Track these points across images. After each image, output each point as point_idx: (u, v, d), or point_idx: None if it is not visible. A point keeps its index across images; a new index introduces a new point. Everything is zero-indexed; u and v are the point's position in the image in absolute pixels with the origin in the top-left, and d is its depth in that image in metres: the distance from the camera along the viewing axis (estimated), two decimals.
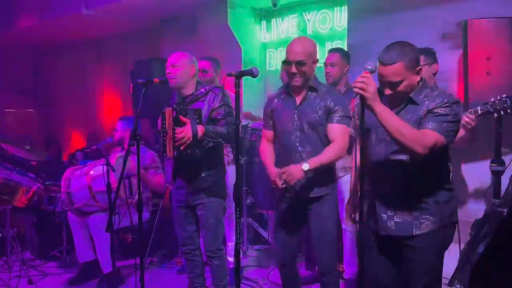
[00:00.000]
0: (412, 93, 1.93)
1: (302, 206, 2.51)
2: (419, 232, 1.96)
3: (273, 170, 2.45)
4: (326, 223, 2.48)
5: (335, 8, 4.51)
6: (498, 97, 2.47)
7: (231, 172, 3.47)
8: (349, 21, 4.03)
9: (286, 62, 2.38)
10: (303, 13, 4.74)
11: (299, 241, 2.75)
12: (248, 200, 3.90)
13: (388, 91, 1.90)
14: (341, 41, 4.45)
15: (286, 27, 4.88)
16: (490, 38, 2.77)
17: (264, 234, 4.11)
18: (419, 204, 1.96)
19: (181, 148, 2.48)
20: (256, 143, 3.59)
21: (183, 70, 2.68)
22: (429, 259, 1.98)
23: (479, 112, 2.50)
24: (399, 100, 1.94)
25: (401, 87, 1.88)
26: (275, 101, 2.57)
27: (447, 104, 1.84)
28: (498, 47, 2.74)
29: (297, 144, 2.43)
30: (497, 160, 2.74)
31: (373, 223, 2.07)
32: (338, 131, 2.38)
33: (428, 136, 1.80)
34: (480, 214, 2.90)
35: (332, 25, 4.55)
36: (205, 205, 2.74)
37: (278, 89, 2.67)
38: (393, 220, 1.99)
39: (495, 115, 2.50)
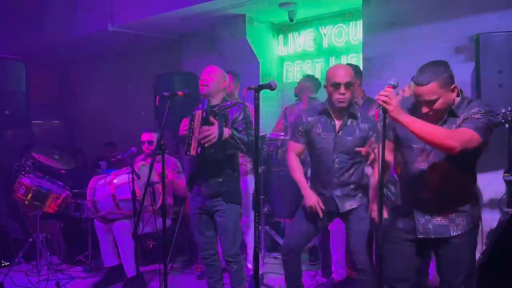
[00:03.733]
0: (453, 106, 2.05)
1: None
2: (456, 233, 2.09)
3: (311, 194, 2.65)
4: (362, 222, 2.62)
5: (351, 22, 4.64)
6: (509, 108, 2.54)
7: (250, 181, 3.59)
8: (364, 35, 4.14)
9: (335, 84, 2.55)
10: (319, 27, 4.87)
11: (310, 236, 2.89)
12: (265, 209, 4.00)
13: (425, 109, 2.01)
14: (356, 54, 4.56)
15: (302, 41, 5.02)
16: (501, 52, 2.85)
17: (281, 242, 4.19)
18: (456, 207, 2.11)
19: (206, 145, 2.61)
20: (273, 153, 3.70)
21: (216, 80, 2.87)
22: (466, 257, 2.11)
23: None
24: (438, 116, 2.04)
25: (437, 105, 1.99)
26: (310, 119, 2.72)
27: (482, 111, 1.97)
28: (509, 60, 2.82)
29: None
30: (511, 170, 2.80)
31: (408, 224, 2.19)
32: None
33: (462, 131, 1.94)
34: (494, 224, 2.94)
35: (347, 38, 4.67)
36: (224, 211, 2.85)
37: (314, 106, 2.87)
38: (431, 223, 2.13)
39: (507, 125, 2.57)
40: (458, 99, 2.06)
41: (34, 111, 5.18)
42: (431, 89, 1.95)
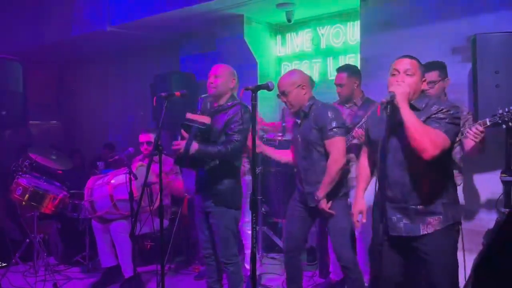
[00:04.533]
0: (413, 100, 2.13)
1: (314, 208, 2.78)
2: (426, 232, 2.10)
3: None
4: (341, 219, 2.68)
5: (348, 23, 4.65)
6: (506, 109, 2.53)
7: (247, 181, 3.59)
8: (361, 35, 4.14)
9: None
10: (317, 28, 4.88)
11: (306, 234, 2.99)
12: (263, 209, 4.01)
13: (403, 77, 2.11)
14: (354, 54, 4.56)
15: (300, 41, 5.02)
16: (498, 52, 2.85)
17: (279, 242, 4.20)
18: (426, 205, 2.11)
19: (176, 158, 2.78)
20: None
21: (224, 81, 2.86)
22: (439, 258, 2.10)
23: (488, 123, 2.57)
24: None
25: (412, 80, 2.10)
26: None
27: (444, 110, 2.05)
28: (506, 61, 2.82)
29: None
30: (508, 170, 2.80)
31: (383, 224, 2.19)
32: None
33: (440, 137, 2.00)
34: (492, 224, 2.95)
35: (345, 39, 4.68)
36: (215, 214, 2.85)
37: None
38: (402, 222, 2.14)
39: (504, 126, 2.57)
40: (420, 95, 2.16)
41: (31, 111, 5.16)
42: (413, 63, 2.14)
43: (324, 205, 2.67)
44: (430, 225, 2.10)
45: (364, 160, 2.46)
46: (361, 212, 2.37)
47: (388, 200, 2.17)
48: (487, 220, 3.11)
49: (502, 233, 1.04)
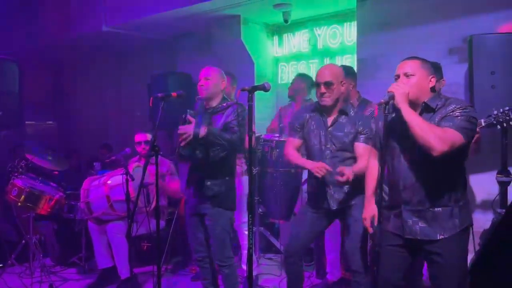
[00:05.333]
0: (427, 99, 2.10)
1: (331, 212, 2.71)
2: (442, 236, 2.08)
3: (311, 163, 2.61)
4: (358, 223, 2.58)
5: (345, 23, 4.66)
6: (501, 110, 2.55)
7: (244, 182, 3.59)
8: (358, 36, 4.15)
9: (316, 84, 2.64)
10: (314, 28, 4.88)
11: (312, 238, 2.92)
12: (260, 210, 4.00)
13: (404, 79, 2.09)
14: (350, 55, 4.57)
15: (297, 42, 5.03)
16: (494, 53, 2.87)
17: (276, 243, 4.20)
18: (443, 209, 2.10)
19: (181, 144, 2.66)
20: (267, 154, 3.71)
21: (215, 83, 2.85)
22: (454, 261, 2.09)
23: (483, 124, 2.59)
24: (413, 107, 2.08)
25: (412, 81, 2.07)
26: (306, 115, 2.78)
27: (461, 108, 2.01)
28: (502, 62, 2.84)
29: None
30: (504, 171, 2.82)
31: (397, 227, 2.19)
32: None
33: (448, 134, 1.96)
34: (488, 225, 2.96)
35: (342, 40, 4.68)
36: (211, 215, 2.84)
37: (308, 105, 2.92)
38: (418, 225, 2.12)
39: (498, 127, 2.58)
40: (432, 94, 2.11)
41: (27, 111, 5.14)
42: (412, 64, 2.10)
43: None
44: (448, 229, 2.08)
45: (374, 163, 2.40)
46: (373, 216, 2.33)
47: (403, 203, 2.16)
48: (483, 220, 3.12)
49: (497, 234, 1.04)
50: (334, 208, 2.67)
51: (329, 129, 2.67)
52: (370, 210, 2.35)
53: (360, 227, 2.60)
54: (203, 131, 2.63)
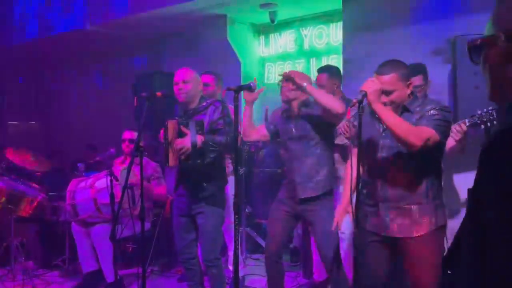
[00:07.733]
0: (406, 103, 2.14)
1: (297, 205, 2.75)
2: (419, 234, 2.10)
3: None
4: (328, 222, 2.58)
5: (331, 24, 4.67)
6: (485, 110, 2.58)
7: (230, 182, 3.57)
8: (343, 36, 4.17)
9: None
10: (300, 29, 4.89)
11: (289, 235, 2.99)
12: (246, 210, 3.99)
13: (383, 98, 2.10)
14: (337, 55, 4.59)
15: (284, 42, 5.03)
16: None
17: (263, 243, 4.19)
18: (419, 206, 2.12)
19: (182, 157, 2.62)
20: (254, 154, 3.70)
21: (193, 86, 2.81)
22: (430, 258, 2.10)
23: (467, 123, 2.61)
24: (392, 109, 2.11)
25: (393, 97, 2.09)
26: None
27: (437, 108, 2.07)
28: None
29: None
30: None
31: (374, 224, 2.21)
32: None
33: (423, 130, 2.02)
34: None
35: (328, 40, 4.70)
36: (205, 213, 2.82)
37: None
38: (395, 222, 2.14)
39: (482, 126, 2.61)
40: (411, 98, 2.16)
41: (9, 111, 5.04)
42: (390, 80, 2.08)
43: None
44: (423, 227, 2.11)
45: (354, 160, 2.40)
46: (348, 213, 2.36)
47: (381, 200, 2.17)
48: None
49: (460, 227, 1.06)
50: (300, 197, 2.71)
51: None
52: (346, 206, 2.38)
53: (329, 225, 2.59)
54: (199, 141, 2.62)
